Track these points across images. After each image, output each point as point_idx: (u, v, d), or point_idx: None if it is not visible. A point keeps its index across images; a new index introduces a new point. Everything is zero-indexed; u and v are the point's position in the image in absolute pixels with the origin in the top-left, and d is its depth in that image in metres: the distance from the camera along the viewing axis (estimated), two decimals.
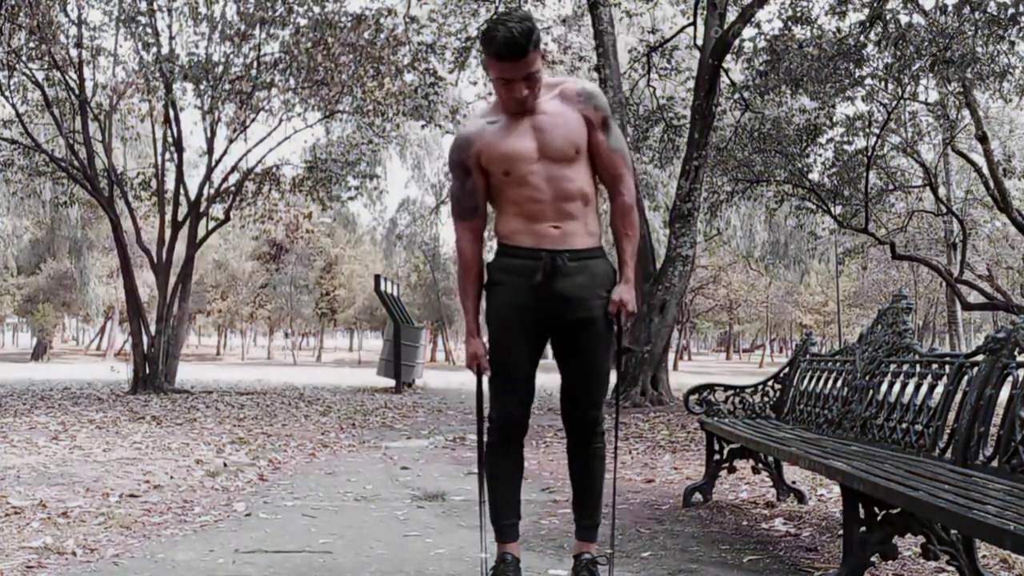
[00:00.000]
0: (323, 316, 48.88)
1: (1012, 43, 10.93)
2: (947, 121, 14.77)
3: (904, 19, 11.26)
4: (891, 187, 16.07)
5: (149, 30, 13.14)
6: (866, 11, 11.17)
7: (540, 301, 2.84)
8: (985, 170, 14.67)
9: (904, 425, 3.53)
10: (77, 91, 13.05)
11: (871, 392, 3.95)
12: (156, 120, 14.45)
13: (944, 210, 17.57)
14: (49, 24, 12.20)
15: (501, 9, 14.69)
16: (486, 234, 3.03)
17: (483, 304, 2.97)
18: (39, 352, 43.14)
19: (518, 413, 2.92)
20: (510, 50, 2.65)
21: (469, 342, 2.94)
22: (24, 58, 12.71)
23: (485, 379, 2.95)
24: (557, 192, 2.81)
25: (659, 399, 11.82)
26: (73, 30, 12.98)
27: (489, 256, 2.98)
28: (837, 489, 3.51)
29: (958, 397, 3.21)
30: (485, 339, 2.94)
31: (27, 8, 11.65)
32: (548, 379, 6.21)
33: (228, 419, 9.18)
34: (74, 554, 3.41)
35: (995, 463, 2.89)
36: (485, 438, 2.97)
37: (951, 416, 3.22)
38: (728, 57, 12.45)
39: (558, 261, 2.81)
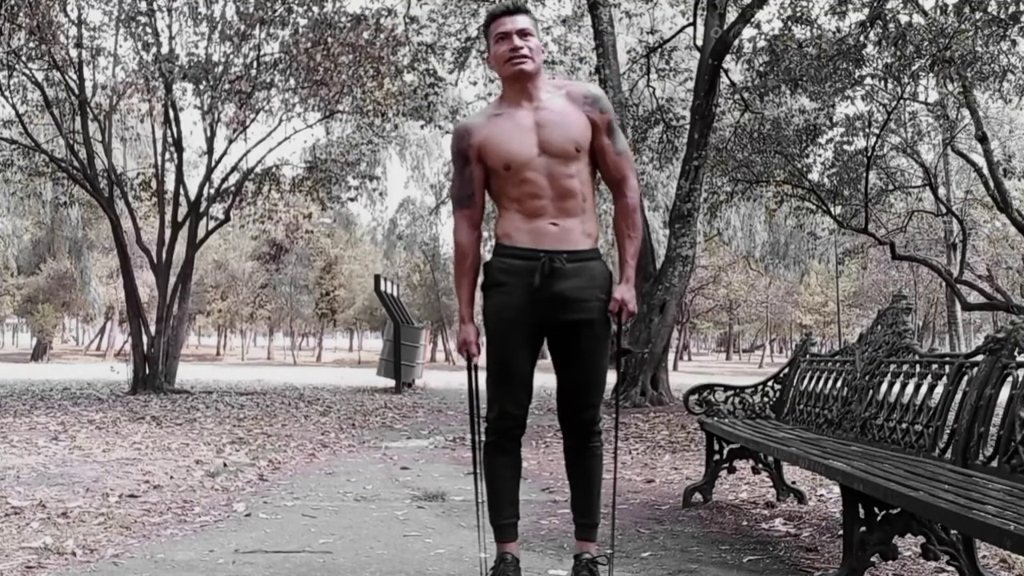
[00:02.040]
0: (323, 316, 48.87)
1: (1014, 42, 10.91)
2: (947, 121, 14.75)
3: (904, 19, 11.26)
4: (891, 187, 16.05)
5: (149, 30, 13.15)
6: (866, 11, 11.16)
7: (538, 302, 2.85)
8: (985, 170, 14.66)
9: (904, 425, 3.53)
10: (77, 91, 13.05)
11: (871, 392, 3.95)
12: (156, 120, 14.46)
13: (944, 210, 17.57)
14: (49, 24, 12.20)
15: None
16: (486, 234, 3.06)
17: (479, 298, 2.98)
18: (39, 352, 43.12)
19: (516, 413, 2.92)
20: (505, 8, 2.86)
21: (461, 328, 2.99)
22: (24, 58, 12.72)
23: (481, 378, 2.95)
24: (558, 189, 2.84)
25: (659, 399, 11.83)
26: (73, 30, 13.00)
27: (487, 255, 2.98)
28: (837, 489, 3.51)
29: (958, 397, 3.21)
30: (479, 320, 2.95)
31: (27, 8, 11.65)
32: (549, 379, 6.20)
33: (228, 419, 9.18)
34: (74, 554, 3.41)
35: (995, 463, 2.88)
36: (482, 438, 2.97)
37: (951, 416, 3.22)
38: (728, 57, 12.45)
39: (556, 263, 2.82)
